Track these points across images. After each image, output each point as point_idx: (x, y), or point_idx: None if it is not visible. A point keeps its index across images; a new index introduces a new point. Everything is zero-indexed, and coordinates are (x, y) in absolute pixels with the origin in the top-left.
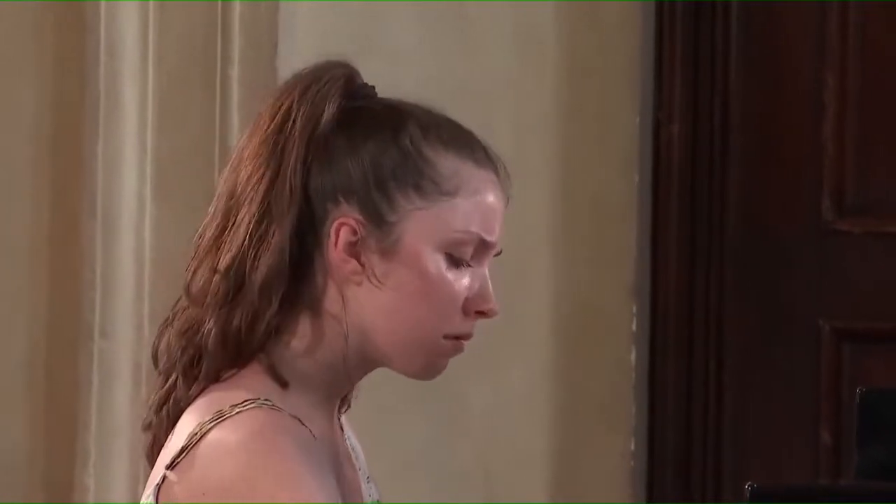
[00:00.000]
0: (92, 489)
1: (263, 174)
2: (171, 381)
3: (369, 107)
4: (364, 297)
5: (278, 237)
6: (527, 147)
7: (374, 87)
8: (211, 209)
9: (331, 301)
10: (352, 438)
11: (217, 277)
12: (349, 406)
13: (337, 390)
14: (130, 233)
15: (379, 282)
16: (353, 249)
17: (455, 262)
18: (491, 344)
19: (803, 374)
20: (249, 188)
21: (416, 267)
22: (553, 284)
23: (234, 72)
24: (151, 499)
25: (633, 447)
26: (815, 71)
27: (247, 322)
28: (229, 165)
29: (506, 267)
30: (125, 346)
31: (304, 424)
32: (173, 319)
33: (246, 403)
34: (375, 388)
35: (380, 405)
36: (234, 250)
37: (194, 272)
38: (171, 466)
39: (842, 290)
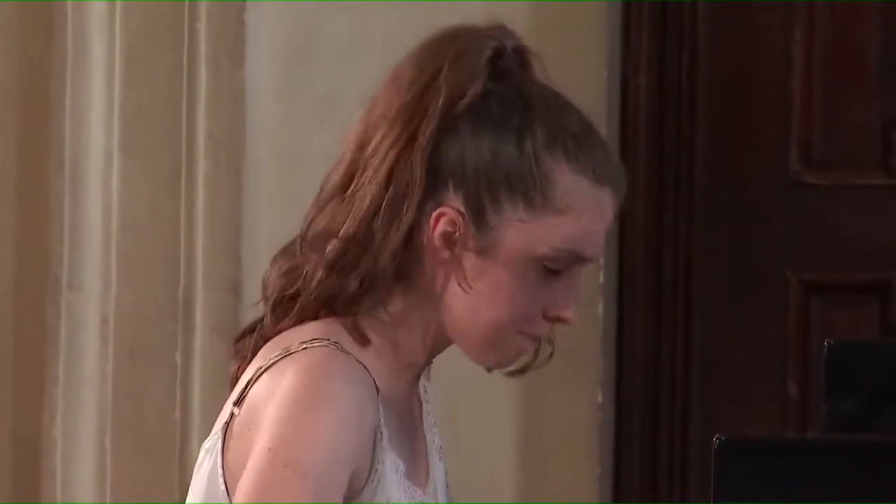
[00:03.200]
0: (59, 442)
1: (396, 140)
2: (260, 315)
3: (505, 93)
4: (453, 287)
5: (410, 215)
6: None
7: (521, 58)
8: (340, 154)
9: (425, 281)
10: (429, 389)
11: (337, 242)
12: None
13: (412, 363)
14: (98, 186)
15: (468, 278)
16: (449, 241)
17: (547, 272)
18: None
19: (771, 327)
20: (382, 151)
21: (508, 274)
22: None
23: (202, 25)
24: (220, 436)
25: (600, 399)
26: (782, 24)
27: (356, 289)
28: (366, 108)
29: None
30: (93, 298)
31: (369, 374)
32: (283, 254)
33: (314, 342)
34: None
35: None
36: (358, 218)
37: (312, 220)
38: (238, 402)
39: (809, 242)
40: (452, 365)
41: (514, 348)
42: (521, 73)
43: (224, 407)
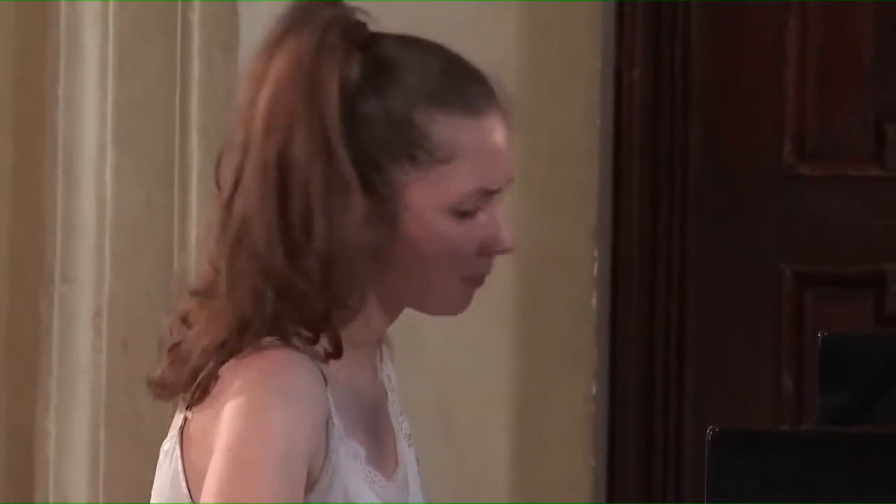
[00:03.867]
0: (53, 433)
1: (316, 150)
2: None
3: (359, 68)
4: (383, 263)
5: (360, 210)
6: None
7: (366, 25)
8: (241, 175)
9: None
10: (392, 377)
11: (312, 260)
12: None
13: (370, 337)
14: (91, 177)
15: (393, 251)
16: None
17: (463, 214)
18: None
19: (765, 319)
20: (303, 162)
21: (424, 233)
22: (515, 228)
23: (195, 16)
24: (176, 440)
25: (594, 391)
26: (776, 17)
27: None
28: (243, 121)
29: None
30: (86, 290)
31: (321, 370)
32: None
33: (263, 342)
34: None
35: None
36: (317, 227)
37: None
38: (189, 406)
39: (803, 234)
40: (446, 357)
41: (463, 295)
42: (366, 36)
43: (178, 410)
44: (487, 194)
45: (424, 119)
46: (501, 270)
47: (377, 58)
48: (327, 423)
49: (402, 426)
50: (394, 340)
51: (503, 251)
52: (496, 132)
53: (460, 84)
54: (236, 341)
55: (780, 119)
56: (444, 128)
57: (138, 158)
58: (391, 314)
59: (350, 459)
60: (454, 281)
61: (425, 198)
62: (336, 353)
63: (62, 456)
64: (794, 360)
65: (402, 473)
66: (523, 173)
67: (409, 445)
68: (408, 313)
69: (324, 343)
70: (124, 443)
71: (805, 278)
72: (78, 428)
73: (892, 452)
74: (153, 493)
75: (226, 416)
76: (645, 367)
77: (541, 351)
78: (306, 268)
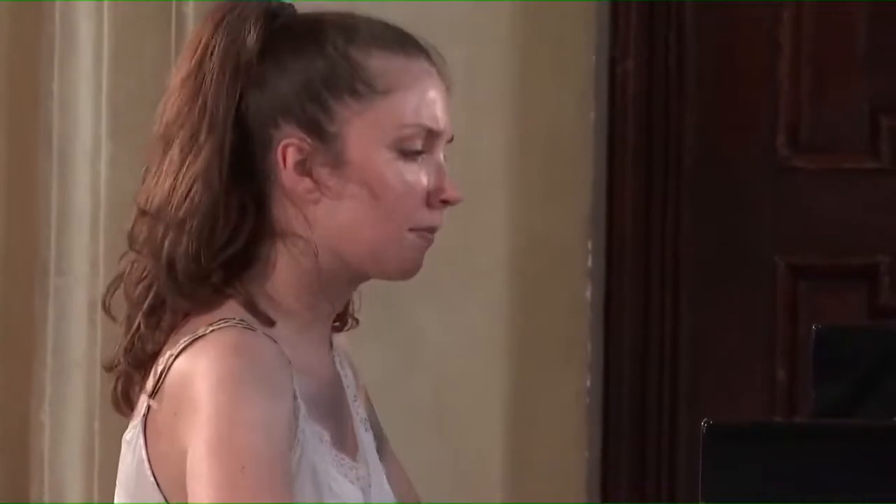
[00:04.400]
0: (47, 426)
1: (189, 110)
2: (133, 327)
3: (290, 25)
4: (325, 213)
5: (202, 165)
6: (482, 84)
7: (292, 6)
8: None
9: (295, 224)
10: (345, 363)
11: (148, 220)
12: (356, 322)
13: (321, 313)
14: (86, 170)
15: (336, 194)
16: (303, 168)
17: (407, 155)
18: (446, 278)
19: (759, 311)
20: (176, 127)
21: (369, 170)
22: (509, 221)
23: (189, 9)
24: (139, 429)
25: (588, 383)
26: (770, 8)
27: (192, 257)
28: (158, 110)
29: (462, 203)
30: (81, 283)
31: (280, 347)
32: (127, 272)
33: (221, 322)
34: None
35: None
36: (165, 189)
37: (135, 220)
38: (153, 394)
39: (797, 226)
40: (440, 349)
41: (411, 248)
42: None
43: (139, 400)
44: (429, 135)
45: (362, 54)
46: (495, 261)
47: (301, 17)
48: (295, 403)
49: (358, 410)
50: (386, 334)
51: (449, 200)
52: (430, 77)
53: (390, 32)
54: (173, 293)
55: (773, 111)
56: (381, 61)
57: (133, 151)
58: (335, 277)
59: (316, 441)
60: (402, 231)
61: (369, 132)
62: (270, 321)
63: (57, 448)
64: (788, 352)
65: (363, 457)
66: (518, 166)
67: (366, 430)
68: (403, 306)
69: (266, 308)
70: (119, 435)
71: (799, 270)
72: (72, 420)
73: (885, 444)
74: (117, 484)
75: (201, 409)
76: (639, 359)
77: (535, 343)
78: (233, 205)
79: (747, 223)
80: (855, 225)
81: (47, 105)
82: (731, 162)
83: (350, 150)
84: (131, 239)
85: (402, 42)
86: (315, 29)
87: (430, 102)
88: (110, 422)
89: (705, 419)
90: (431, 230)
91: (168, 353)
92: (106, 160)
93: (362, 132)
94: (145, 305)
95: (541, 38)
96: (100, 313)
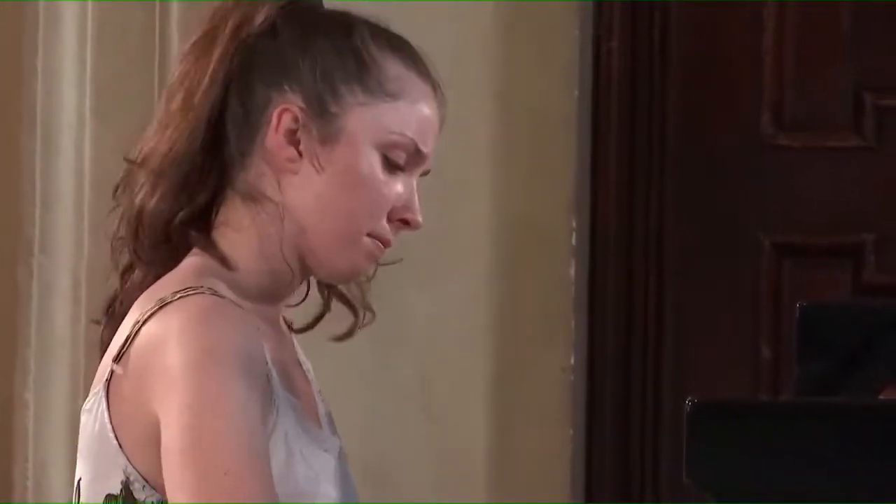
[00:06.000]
0: (32, 404)
1: (194, 70)
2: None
3: (319, 9)
4: (299, 184)
5: (192, 122)
6: (467, 62)
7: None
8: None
9: (266, 186)
10: (301, 353)
11: (132, 170)
12: (373, 314)
13: (278, 287)
14: (70, 148)
15: (315, 169)
16: (293, 137)
17: (389, 165)
18: (430, 257)
19: (743, 289)
20: (178, 83)
21: (353, 160)
22: (493, 199)
23: None
24: (102, 394)
25: (572, 361)
26: None
27: (160, 210)
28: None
29: (446, 181)
30: (65, 261)
31: (248, 314)
32: (115, 231)
33: (188, 290)
34: (314, 299)
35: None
36: (153, 143)
37: (124, 172)
38: (117, 359)
39: (782, 204)
40: (424, 328)
41: (364, 252)
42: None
43: (101, 364)
44: (415, 154)
45: (382, 54)
46: (479, 239)
47: (335, 10)
48: (266, 366)
49: (314, 384)
50: (376, 318)
51: (411, 222)
52: (433, 104)
53: (411, 49)
54: (138, 246)
55: (758, 89)
56: (397, 68)
57: (117, 130)
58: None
59: (288, 408)
60: (361, 233)
61: (366, 126)
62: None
63: (41, 426)
64: (773, 330)
65: (325, 426)
66: (502, 145)
67: (321, 401)
68: (387, 285)
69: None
70: None
71: (783, 248)
72: (56, 398)
73: (870, 422)
74: (79, 456)
75: (177, 391)
76: (623, 337)
77: (519, 321)
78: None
79: (732, 201)
80: (839, 203)
81: (31, 82)
82: (716, 140)
83: (343, 134)
84: (114, 189)
85: (417, 62)
86: (344, 18)
87: (427, 124)
88: None
89: (690, 397)
90: (385, 243)
91: (134, 320)
92: (90, 138)
93: (360, 123)
94: (122, 263)
95: (525, 18)
96: (84, 291)
